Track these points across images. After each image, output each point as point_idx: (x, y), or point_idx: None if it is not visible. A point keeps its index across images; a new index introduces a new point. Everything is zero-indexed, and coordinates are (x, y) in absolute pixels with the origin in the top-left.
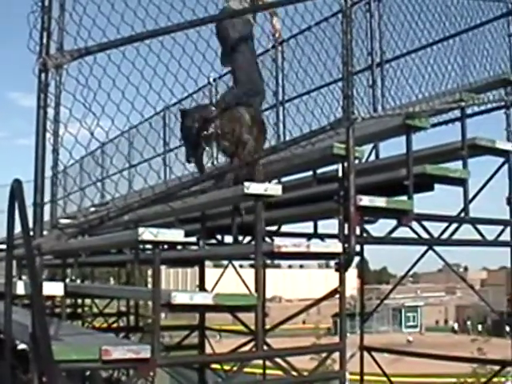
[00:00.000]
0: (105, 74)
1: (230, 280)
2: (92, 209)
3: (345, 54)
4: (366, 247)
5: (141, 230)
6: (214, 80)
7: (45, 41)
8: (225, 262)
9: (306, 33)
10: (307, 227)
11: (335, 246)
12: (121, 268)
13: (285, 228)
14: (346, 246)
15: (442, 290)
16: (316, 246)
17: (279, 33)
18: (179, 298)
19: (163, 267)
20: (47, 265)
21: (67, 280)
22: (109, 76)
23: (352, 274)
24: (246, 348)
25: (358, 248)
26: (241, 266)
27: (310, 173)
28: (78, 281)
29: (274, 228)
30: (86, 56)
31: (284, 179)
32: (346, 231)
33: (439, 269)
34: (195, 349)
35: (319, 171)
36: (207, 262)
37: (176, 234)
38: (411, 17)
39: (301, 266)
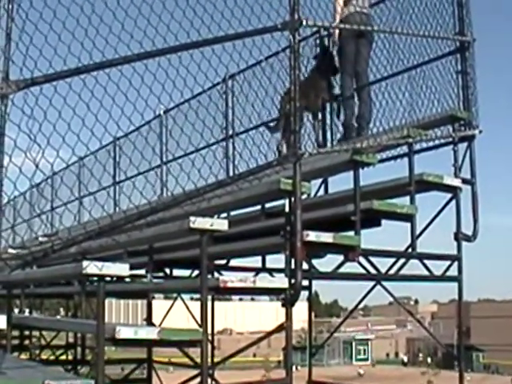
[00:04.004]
0: (51, 105)
1: (181, 312)
2: (41, 239)
3: (292, 89)
4: (316, 281)
5: (85, 263)
6: (165, 112)
7: None
8: (175, 294)
9: (253, 67)
10: (257, 261)
11: (281, 282)
12: (69, 299)
13: (234, 262)
14: (293, 281)
15: (392, 322)
16: (262, 281)
17: None
18: (123, 333)
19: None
20: None
21: (16, 310)
22: (54, 107)
23: (303, 307)
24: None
25: (305, 282)
26: (192, 299)
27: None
28: (27, 311)
29: (223, 262)
30: (31, 86)
31: (234, 213)
32: (293, 266)
33: (390, 302)
34: (143, 382)
35: (270, 205)
36: (158, 294)
37: (121, 268)
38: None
39: (252, 299)
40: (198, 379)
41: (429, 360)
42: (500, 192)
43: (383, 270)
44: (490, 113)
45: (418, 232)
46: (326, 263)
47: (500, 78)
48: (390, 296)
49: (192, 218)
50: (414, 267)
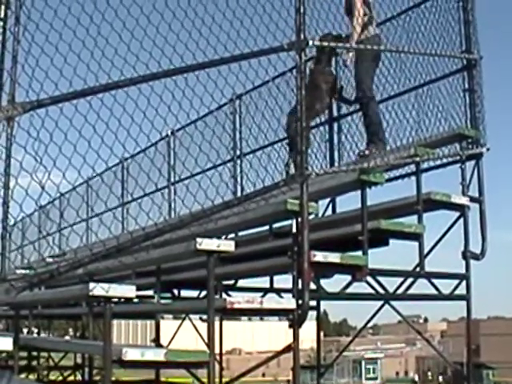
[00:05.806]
0: (56, 127)
1: (190, 332)
2: (48, 260)
3: (299, 109)
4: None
5: (92, 285)
6: (172, 133)
7: None
8: (184, 315)
9: (260, 88)
10: (265, 281)
11: (289, 302)
12: (77, 320)
13: (242, 282)
14: (300, 301)
15: (402, 341)
16: (269, 302)
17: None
18: (130, 354)
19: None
20: (2, 316)
21: (25, 331)
22: (60, 129)
23: (312, 326)
24: None
25: (313, 302)
26: (201, 319)
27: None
28: (35, 331)
29: (231, 282)
30: (37, 108)
31: (242, 233)
32: (300, 287)
33: (399, 320)
34: None
35: (279, 225)
36: (167, 314)
37: (128, 290)
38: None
39: (261, 319)
40: None
41: (440, 379)
42: (508, 207)
43: (392, 289)
44: None
45: (426, 251)
46: (335, 283)
47: None
48: (399, 315)
49: (199, 240)
50: (423, 286)
